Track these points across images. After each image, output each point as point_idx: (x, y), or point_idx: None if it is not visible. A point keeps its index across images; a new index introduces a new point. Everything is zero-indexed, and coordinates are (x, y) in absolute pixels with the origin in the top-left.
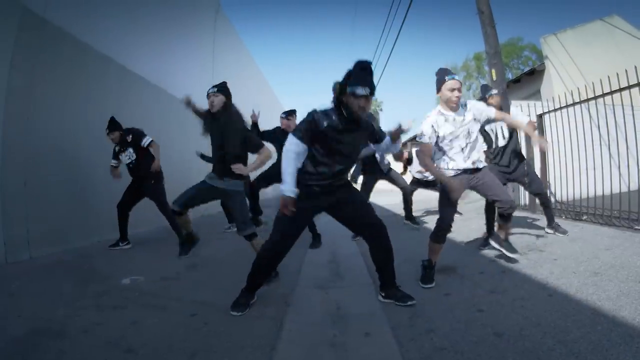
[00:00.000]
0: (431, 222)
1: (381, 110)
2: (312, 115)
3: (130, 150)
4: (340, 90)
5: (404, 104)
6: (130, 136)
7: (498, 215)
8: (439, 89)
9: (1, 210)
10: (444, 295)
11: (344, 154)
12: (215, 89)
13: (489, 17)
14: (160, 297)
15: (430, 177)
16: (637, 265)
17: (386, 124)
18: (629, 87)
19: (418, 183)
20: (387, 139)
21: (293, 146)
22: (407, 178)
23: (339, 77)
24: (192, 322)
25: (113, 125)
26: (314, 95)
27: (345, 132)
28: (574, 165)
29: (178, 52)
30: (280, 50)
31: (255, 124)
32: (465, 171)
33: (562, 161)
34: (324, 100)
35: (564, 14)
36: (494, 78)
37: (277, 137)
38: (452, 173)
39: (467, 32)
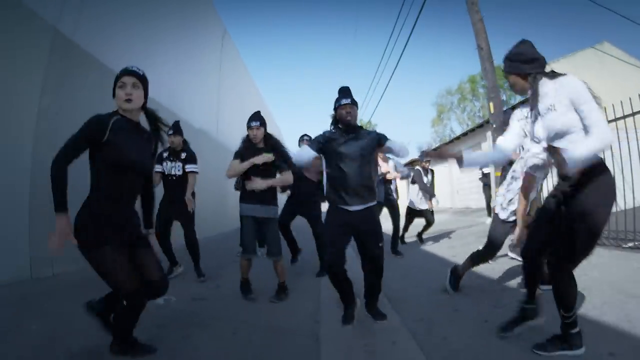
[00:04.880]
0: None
1: None
2: (320, 134)
3: (180, 164)
4: (333, 110)
5: (397, 126)
6: (185, 154)
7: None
8: None
9: (29, 229)
10: (453, 311)
11: (350, 159)
12: (258, 122)
13: (487, 53)
14: (199, 315)
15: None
16: (619, 280)
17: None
18: (624, 117)
19: (411, 213)
20: (391, 142)
21: (306, 150)
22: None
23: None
24: (237, 338)
25: (177, 128)
26: (311, 120)
27: (344, 140)
28: None
29: (189, 78)
30: (280, 74)
31: None
32: None
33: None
34: (322, 126)
35: (557, 43)
36: (492, 111)
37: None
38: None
39: (462, 54)
